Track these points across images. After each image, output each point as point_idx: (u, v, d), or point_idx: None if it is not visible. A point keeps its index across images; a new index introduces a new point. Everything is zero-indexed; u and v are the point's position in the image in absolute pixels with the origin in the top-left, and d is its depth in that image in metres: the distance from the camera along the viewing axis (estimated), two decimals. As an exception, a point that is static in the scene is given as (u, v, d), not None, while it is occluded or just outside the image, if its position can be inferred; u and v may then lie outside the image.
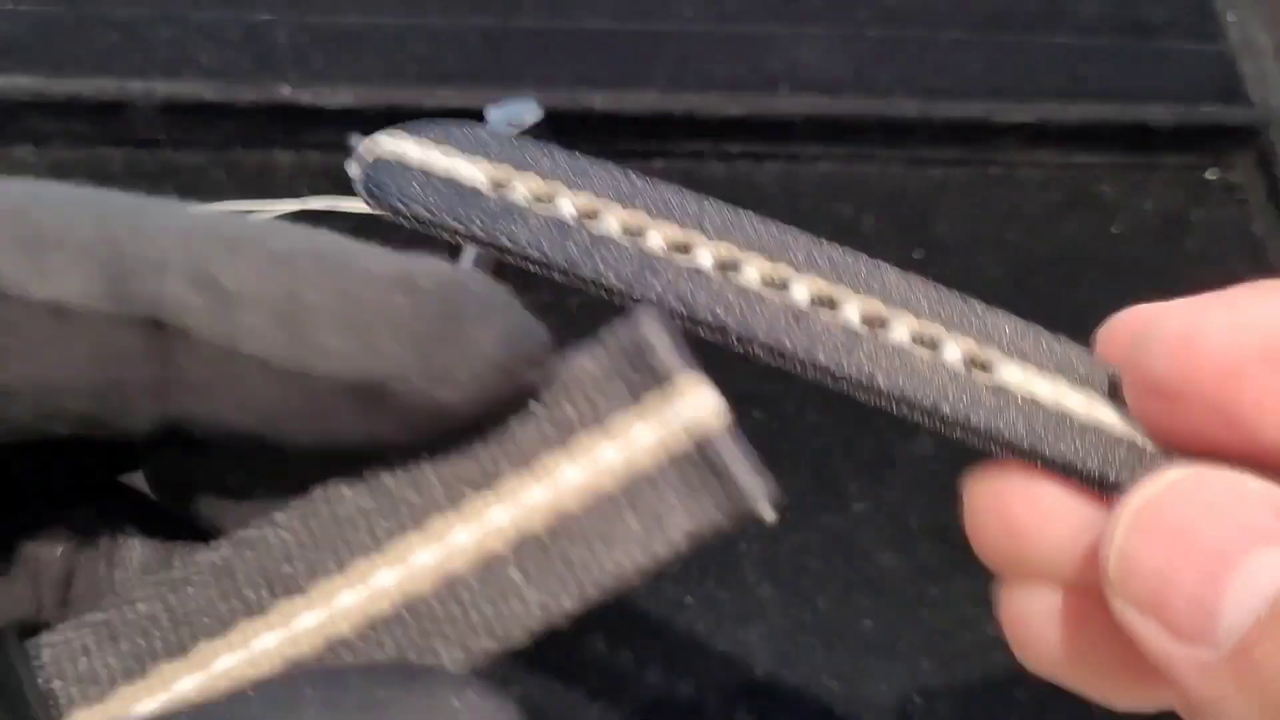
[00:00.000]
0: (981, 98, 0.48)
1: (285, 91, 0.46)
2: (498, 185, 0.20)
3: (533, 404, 0.15)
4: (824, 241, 0.20)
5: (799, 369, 0.18)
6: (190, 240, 0.12)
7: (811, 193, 0.48)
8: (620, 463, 0.14)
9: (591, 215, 0.20)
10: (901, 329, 0.18)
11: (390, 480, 0.14)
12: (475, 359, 0.12)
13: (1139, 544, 0.16)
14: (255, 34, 0.49)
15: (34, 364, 0.12)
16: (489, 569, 0.14)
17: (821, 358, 0.18)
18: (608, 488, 0.14)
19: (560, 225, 0.19)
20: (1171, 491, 0.16)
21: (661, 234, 0.19)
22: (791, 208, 0.47)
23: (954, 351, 0.18)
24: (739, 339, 0.18)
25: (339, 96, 0.46)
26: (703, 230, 0.20)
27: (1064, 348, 0.19)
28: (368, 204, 0.20)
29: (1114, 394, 0.18)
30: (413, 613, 0.14)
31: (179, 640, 0.14)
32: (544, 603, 0.14)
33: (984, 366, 0.18)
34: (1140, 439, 0.18)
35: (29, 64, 0.47)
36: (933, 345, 0.18)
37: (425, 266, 0.13)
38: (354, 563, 0.14)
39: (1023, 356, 0.18)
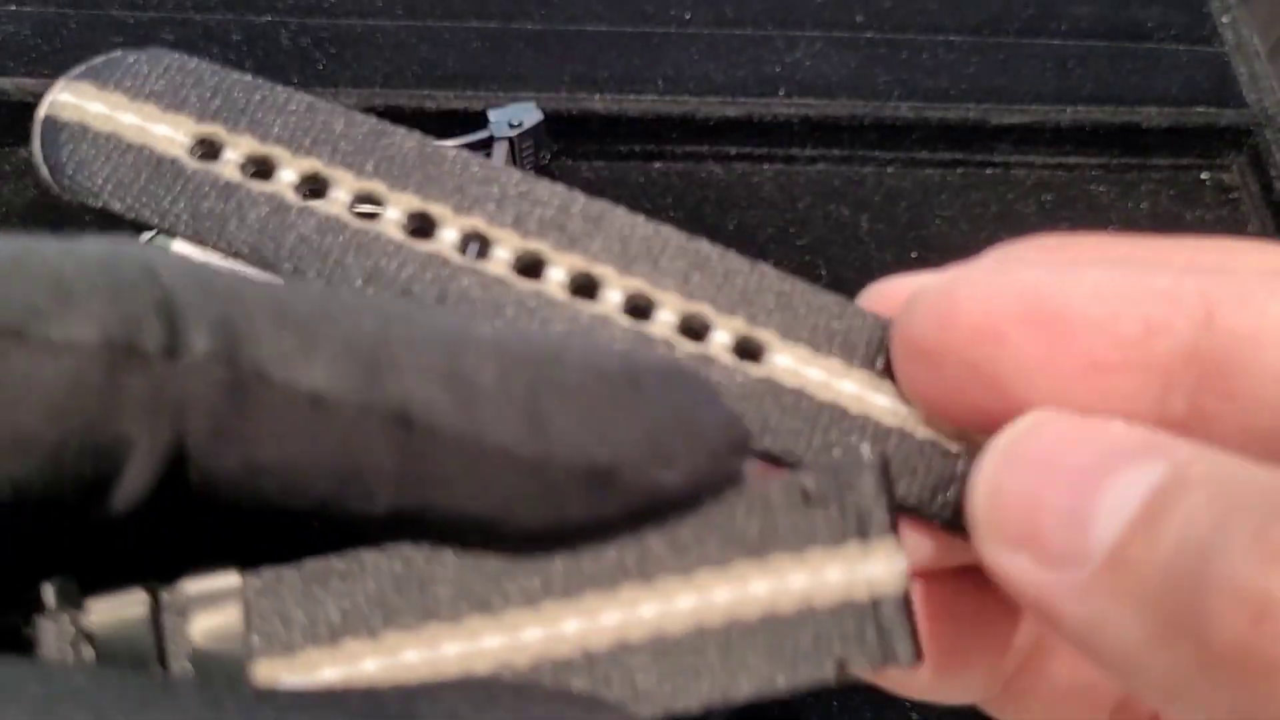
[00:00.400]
0: (976, 100, 0.49)
1: (288, 93, 0.47)
2: (204, 152, 0.18)
3: (735, 509, 0.15)
4: (582, 198, 0.18)
5: None
6: (437, 339, 0.13)
7: (808, 194, 0.48)
8: (804, 593, 0.15)
9: (318, 188, 0.18)
10: (667, 315, 0.17)
11: (598, 548, 0.15)
12: (696, 445, 0.14)
13: (1007, 477, 0.16)
14: (258, 36, 0.49)
15: (287, 447, 0.13)
16: (660, 645, 0.15)
17: None
18: (784, 611, 0.15)
19: (282, 208, 0.17)
20: (1038, 425, 0.16)
21: (401, 209, 0.17)
22: (789, 209, 0.48)
23: (723, 338, 0.17)
24: None
25: (341, 98, 0.47)
26: (456, 200, 0.18)
27: (848, 316, 0.18)
28: (52, 187, 0.18)
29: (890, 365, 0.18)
30: (587, 663, 0.15)
31: (370, 623, 0.15)
32: (700, 691, 0.15)
33: (755, 354, 0.17)
34: (910, 424, 0.17)
35: (33, 65, 0.47)
36: (699, 334, 0.17)
37: (649, 362, 0.14)
38: (546, 604, 0.15)
39: (799, 336, 0.18)
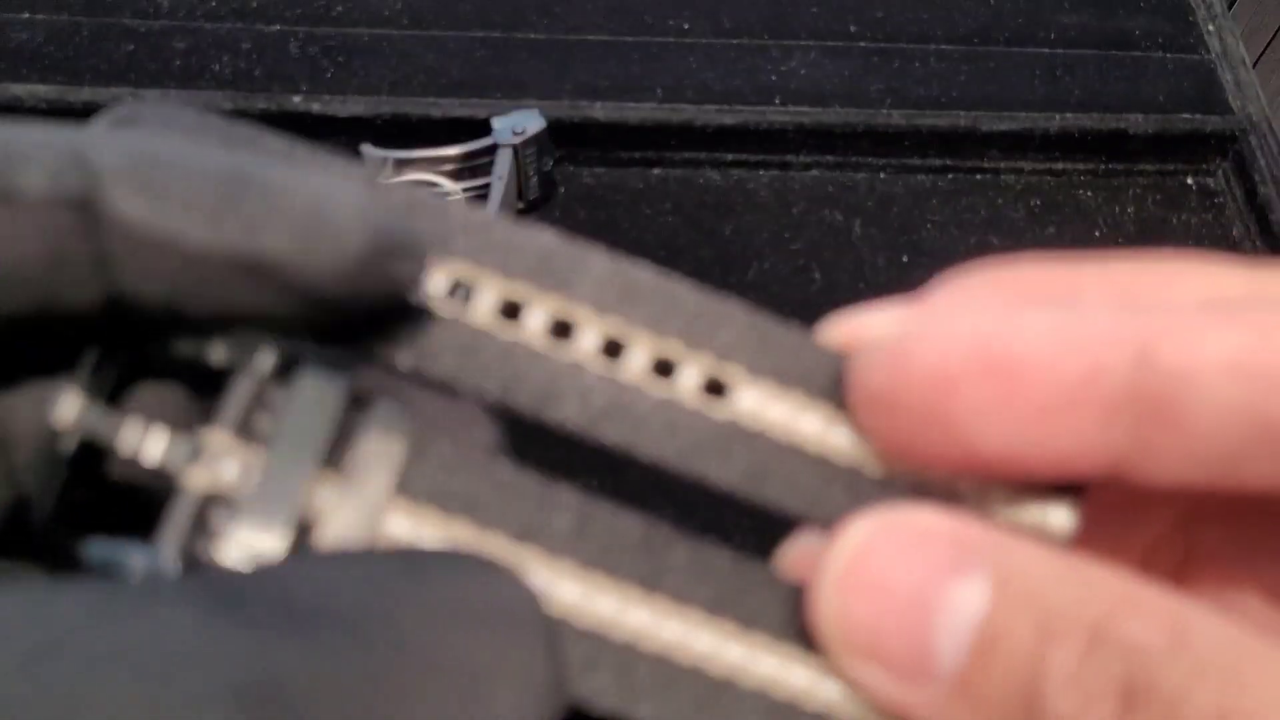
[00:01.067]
0: (966, 108, 0.50)
1: (296, 101, 0.47)
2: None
3: None
4: (561, 243, 0.18)
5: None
6: (138, 153, 0.15)
7: (803, 199, 0.49)
8: None
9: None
10: (639, 356, 0.18)
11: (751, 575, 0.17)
12: (338, 244, 0.15)
13: (847, 602, 0.17)
14: (268, 45, 0.50)
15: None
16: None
17: (529, 405, 0.17)
18: None
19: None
20: (866, 543, 0.17)
21: None
22: (784, 214, 0.49)
23: (691, 377, 0.18)
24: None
25: (349, 106, 0.47)
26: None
27: (810, 352, 0.18)
28: None
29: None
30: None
31: (484, 522, 0.17)
32: None
33: (721, 392, 0.18)
34: (865, 463, 0.18)
35: (46, 72, 0.48)
36: (669, 372, 0.18)
37: (325, 181, 0.16)
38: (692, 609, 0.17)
39: (764, 371, 0.18)
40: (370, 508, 0.16)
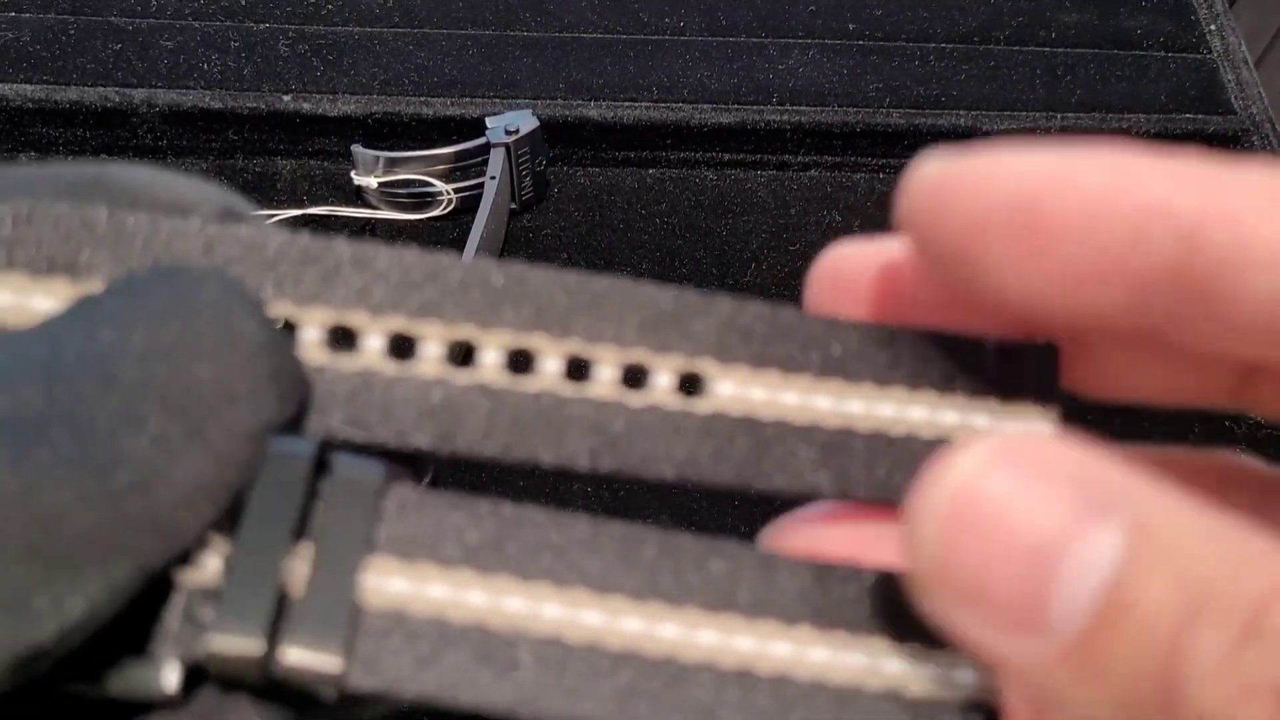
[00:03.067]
0: (967, 107, 0.49)
1: (286, 100, 0.47)
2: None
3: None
4: (496, 267, 0.17)
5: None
6: None
7: (801, 200, 0.49)
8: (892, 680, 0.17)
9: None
10: (607, 372, 0.17)
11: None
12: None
13: (952, 545, 0.15)
14: (257, 43, 0.49)
15: None
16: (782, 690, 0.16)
17: (470, 447, 0.17)
18: (836, 683, 0.16)
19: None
20: (982, 470, 0.15)
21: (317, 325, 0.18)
22: (781, 215, 0.48)
23: (664, 380, 0.17)
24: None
25: (339, 105, 0.47)
26: (368, 304, 0.17)
27: (778, 323, 0.18)
28: None
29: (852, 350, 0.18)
30: (675, 673, 0.16)
31: (486, 562, 0.16)
32: None
33: (697, 388, 0.17)
34: (854, 422, 0.17)
35: (33, 72, 0.48)
36: (641, 381, 0.17)
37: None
38: (652, 603, 0.16)
39: (736, 357, 0.17)
40: (346, 574, 0.16)
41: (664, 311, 0.18)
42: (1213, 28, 0.54)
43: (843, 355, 0.18)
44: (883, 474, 0.17)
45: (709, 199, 0.48)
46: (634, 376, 0.18)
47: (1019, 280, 0.16)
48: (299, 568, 0.16)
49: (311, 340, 0.17)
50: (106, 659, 0.15)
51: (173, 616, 0.15)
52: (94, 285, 0.17)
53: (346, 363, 0.17)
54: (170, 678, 0.15)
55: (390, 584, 0.16)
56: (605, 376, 0.17)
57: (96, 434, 0.14)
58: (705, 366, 0.18)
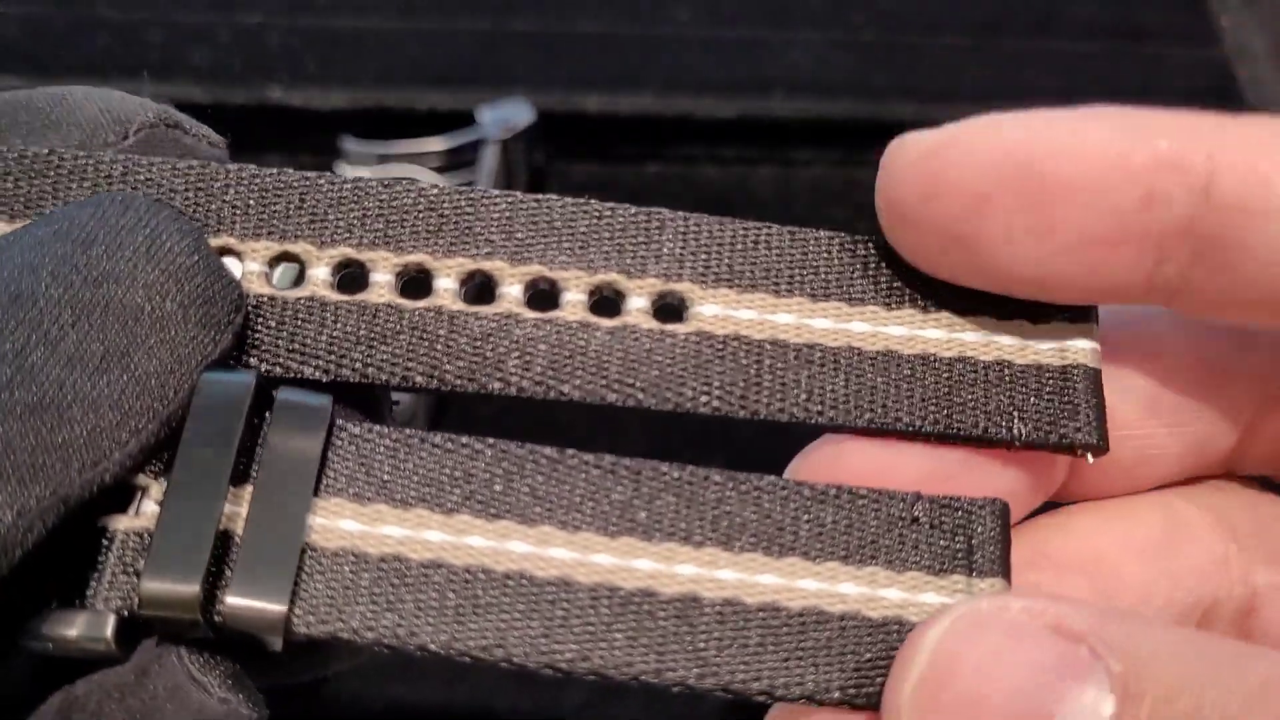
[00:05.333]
0: (976, 101, 0.48)
1: (276, 94, 0.46)
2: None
3: (826, 514, 0.16)
4: (453, 192, 0.17)
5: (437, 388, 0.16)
6: None
7: (806, 196, 0.48)
8: (896, 605, 0.15)
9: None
10: (574, 295, 0.17)
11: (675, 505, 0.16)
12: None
13: (936, 706, 0.14)
14: (246, 36, 0.48)
15: None
16: (731, 611, 0.15)
17: (457, 378, 0.16)
18: (871, 617, 0.15)
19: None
20: (949, 650, 0.14)
21: (260, 259, 0.17)
22: (786, 212, 0.47)
23: (639, 303, 0.17)
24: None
25: (331, 99, 0.46)
26: (318, 235, 0.17)
27: (766, 243, 0.17)
28: None
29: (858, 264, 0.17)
30: (649, 604, 0.15)
31: (446, 500, 0.15)
32: (759, 674, 0.15)
33: (678, 311, 0.17)
34: (860, 341, 0.16)
35: (20, 66, 0.47)
36: (614, 305, 0.17)
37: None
38: (623, 539, 0.16)
39: (719, 279, 0.17)
40: (289, 516, 0.15)
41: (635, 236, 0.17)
42: (1227, 21, 0.53)
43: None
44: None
45: (711, 195, 0.48)
46: (605, 302, 0.17)
47: (1029, 251, 0.15)
48: (239, 509, 0.15)
49: (255, 271, 0.17)
50: (39, 610, 0.14)
51: (108, 565, 0.15)
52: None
53: (296, 292, 0.16)
54: (105, 627, 0.14)
55: (340, 524, 0.15)
56: (572, 300, 0.17)
57: (2, 352, 0.14)
58: (685, 289, 0.17)
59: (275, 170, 0.17)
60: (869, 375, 0.17)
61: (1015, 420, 0.16)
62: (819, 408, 0.16)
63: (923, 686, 0.14)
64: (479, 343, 0.16)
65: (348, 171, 0.46)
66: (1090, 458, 0.16)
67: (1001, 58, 0.50)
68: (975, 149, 0.15)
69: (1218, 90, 0.50)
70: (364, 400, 0.17)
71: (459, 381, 0.16)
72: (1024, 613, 0.14)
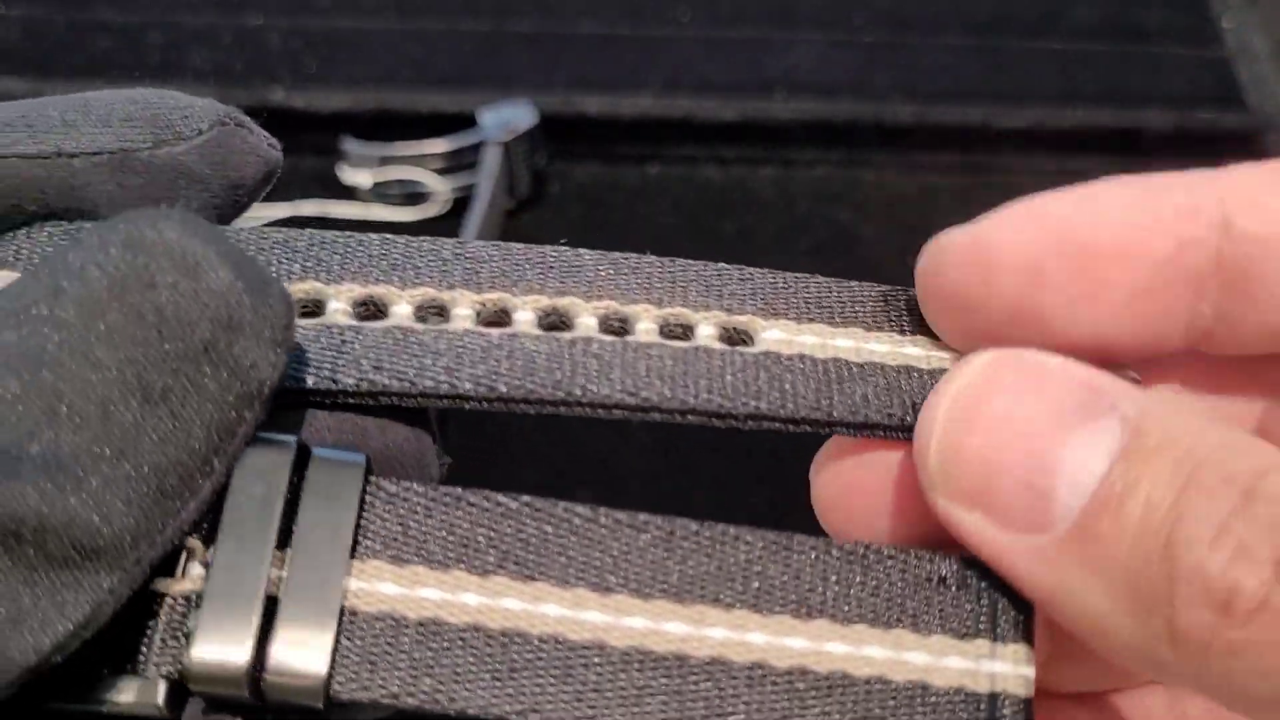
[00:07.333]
0: (977, 102, 0.48)
1: (278, 95, 0.46)
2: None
3: (855, 574, 0.16)
4: (524, 249, 0.18)
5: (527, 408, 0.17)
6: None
7: (807, 198, 0.48)
8: (921, 669, 0.16)
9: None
10: (646, 324, 0.17)
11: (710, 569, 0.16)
12: (186, 121, 0.18)
13: (959, 434, 0.16)
14: (248, 38, 0.48)
15: None
16: (759, 674, 0.16)
17: (537, 389, 0.17)
18: (895, 680, 0.15)
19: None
20: (984, 377, 0.16)
21: (345, 300, 0.18)
22: (787, 213, 0.47)
23: (708, 330, 0.17)
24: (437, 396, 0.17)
25: (332, 100, 0.46)
26: (400, 276, 0.18)
27: (812, 287, 0.18)
28: None
29: (899, 321, 0.18)
30: (680, 667, 0.15)
31: (483, 561, 0.16)
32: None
33: (744, 339, 0.17)
34: (916, 360, 0.17)
35: (21, 67, 0.47)
36: (685, 334, 0.17)
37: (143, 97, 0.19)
38: (657, 600, 0.16)
39: (776, 313, 0.18)
40: (328, 580, 0.15)
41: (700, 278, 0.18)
42: (1228, 23, 0.53)
43: None
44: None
45: (712, 196, 0.47)
46: (675, 331, 0.17)
47: (1086, 314, 0.16)
48: (281, 573, 0.15)
49: (339, 309, 0.17)
50: (93, 673, 0.15)
51: (158, 630, 0.15)
52: None
53: (376, 325, 0.17)
54: (157, 695, 0.15)
55: (379, 588, 0.15)
56: (645, 328, 0.17)
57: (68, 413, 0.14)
58: (747, 321, 0.18)
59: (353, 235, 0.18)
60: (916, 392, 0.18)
61: None
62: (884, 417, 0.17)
63: (952, 412, 0.16)
64: (553, 360, 0.17)
65: (349, 174, 0.46)
66: None
67: (1001, 58, 0.50)
68: (1024, 230, 0.16)
69: (1218, 92, 0.50)
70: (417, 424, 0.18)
71: (545, 391, 0.17)
72: (1059, 364, 0.16)
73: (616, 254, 0.18)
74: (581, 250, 0.18)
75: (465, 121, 0.45)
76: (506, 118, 0.44)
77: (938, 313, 0.17)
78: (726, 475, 0.40)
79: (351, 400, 0.16)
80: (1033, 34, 0.51)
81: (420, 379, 0.16)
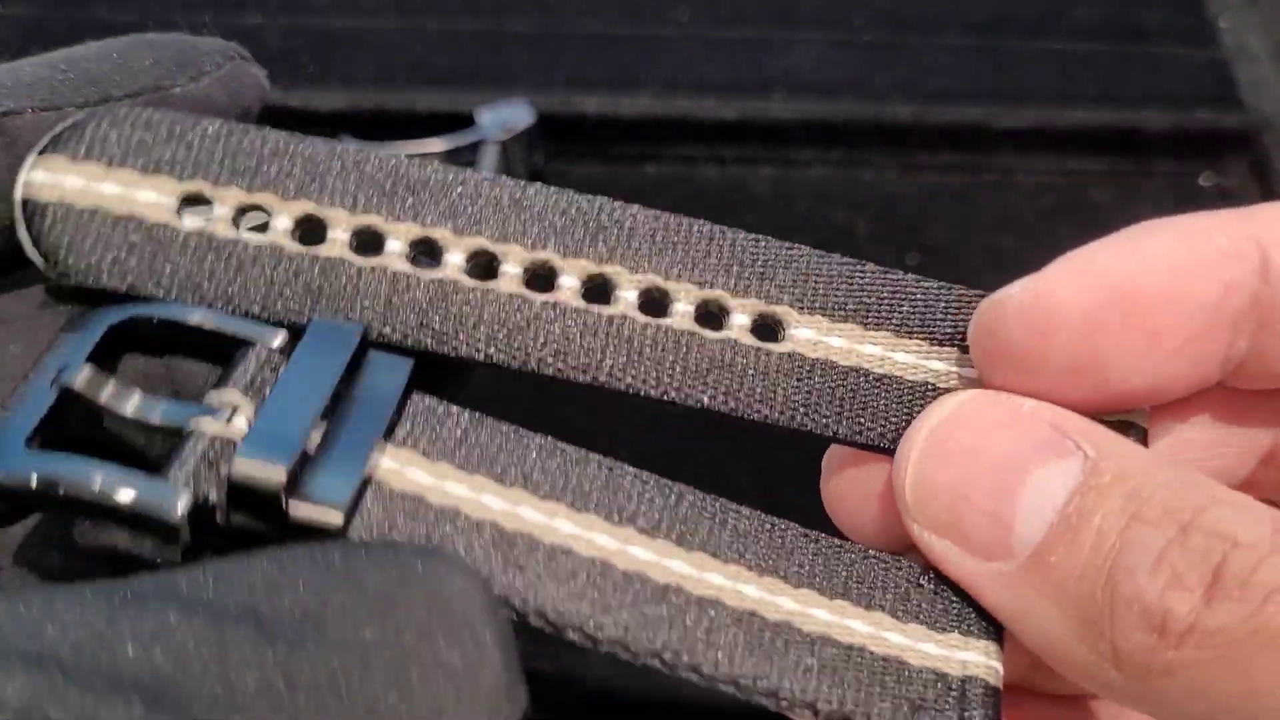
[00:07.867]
0: (976, 102, 0.48)
1: (275, 94, 0.46)
2: (192, 209, 0.18)
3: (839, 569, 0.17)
4: (578, 200, 0.19)
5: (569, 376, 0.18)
6: None
7: (806, 198, 0.48)
8: (898, 647, 0.17)
9: (315, 230, 0.18)
10: (683, 306, 0.18)
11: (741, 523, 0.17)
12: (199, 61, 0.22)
13: (932, 467, 0.17)
14: (245, 37, 0.48)
15: None
16: (753, 621, 0.16)
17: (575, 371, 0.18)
18: (875, 651, 0.17)
19: (284, 258, 0.18)
20: (959, 415, 0.17)
21: (402, 239, 0.18)
22: (786, 213, 0.47)
23: (741, 320, 0.18)
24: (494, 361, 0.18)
25: (330, 100, 0.46)
26: (454, 223, 0.18)
27: (856, 277, 0.18)
28: (49, 277, 0.18)
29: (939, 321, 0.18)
30: (680, 598, 0.16)
31: (506, 474, 0.17)
32: (771, 675, 0.16)
33: (774, 331, 0.18)
34: (935, 378, 0.18)
35: (17, 67, 0.47)
36: (719, 319, 0.18)
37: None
38: (661, 540, 0.17)
39: (814, 306, 0.18)
40: (362, 450, 0.16)
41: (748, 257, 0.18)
42: (1226, 23, 0.53)
43: None
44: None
45: (711, 196, 0.47)
46: (711, 316, 0.18)
47: (1143, 362, 0.17)
48: (321, 436, 0.16)
49: (396, 250, 0.18)
50: (122, 476, 0.15)
51: (194, 455, 0.16)
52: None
53: (428, 274, 0.18)
54: (179, 502, 0.15)
55: (407, 470, 0.16)
56: (681, 310, 0.18)
57: None
58: (783, 311, 0.18)
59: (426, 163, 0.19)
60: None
61: None
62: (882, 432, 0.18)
63: (926, 445, 0.17)
64: (585, 337, 0.18)
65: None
66: None
67: (1001, 58, 0.50)
68: (1081, 286, 0.17)
69: (1216, 92, 0.50)
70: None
71: (570, 371, 0.18)
72: (1031, 407, 0.17)
73: (667, 218, 0.19)
74: (634, 209, 0.19)
75: (463, 121, 0.45)
76: (504, 117, 0.44)
77: (994, 370, 0.18)
78: (718, 451, 0.40)
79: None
80: (1032, 34, 0.51)
81: (458, 345, 0.18)
